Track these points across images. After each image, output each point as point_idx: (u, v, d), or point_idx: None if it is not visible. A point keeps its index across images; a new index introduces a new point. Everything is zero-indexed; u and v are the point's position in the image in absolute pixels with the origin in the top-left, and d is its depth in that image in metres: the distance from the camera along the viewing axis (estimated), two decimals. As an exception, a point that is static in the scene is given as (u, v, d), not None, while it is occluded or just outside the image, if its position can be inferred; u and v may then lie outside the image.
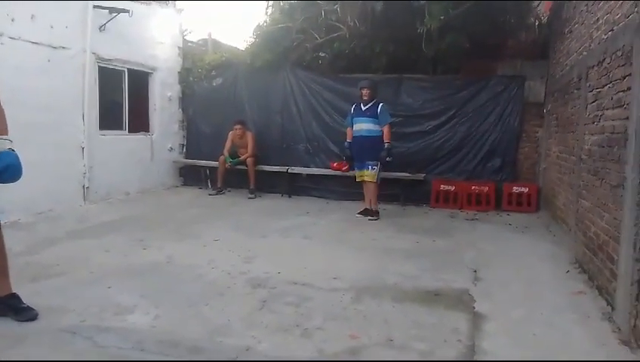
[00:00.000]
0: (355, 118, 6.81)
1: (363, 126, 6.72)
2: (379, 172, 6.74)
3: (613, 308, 3.39)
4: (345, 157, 7.36)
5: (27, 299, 3.23)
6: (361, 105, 6.77)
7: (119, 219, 6.35)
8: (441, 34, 7.13)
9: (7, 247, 3.22)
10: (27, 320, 3.09)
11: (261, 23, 9.03)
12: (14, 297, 3.20)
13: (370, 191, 6.84)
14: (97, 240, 5.20)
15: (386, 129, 6.65)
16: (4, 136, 3.13)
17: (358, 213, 6.87)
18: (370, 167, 6.72)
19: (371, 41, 7.87)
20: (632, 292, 2.98)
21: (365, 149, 6.71)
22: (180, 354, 2.78)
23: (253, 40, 9.14)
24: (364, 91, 6.75)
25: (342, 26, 8.01)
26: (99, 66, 7.43)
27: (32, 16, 6.15)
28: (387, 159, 6.66)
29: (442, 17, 6.84)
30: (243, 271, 4.29)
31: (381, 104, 6.69)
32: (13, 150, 3.11)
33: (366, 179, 6.81)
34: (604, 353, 2.89)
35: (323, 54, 8.46)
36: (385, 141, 6.62)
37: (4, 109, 3.20)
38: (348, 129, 6.98)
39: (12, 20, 5.89)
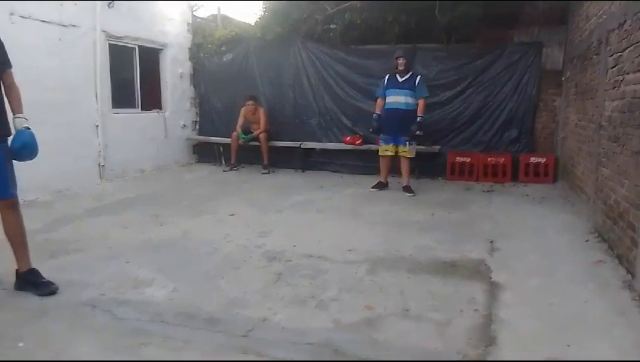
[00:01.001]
0: (389, 90, 6.55)
1: (400, 99, 6.48)
2: (414, 146, 6.65)
3: (633, 276, 3.34)
4: (372, 130, 7.04)
5: (47, 275, 3.29)
6: (397, 76, 6.53)
7: (135, 196, 6.41)
8: (455, 2, 6.93)
9: (26, 225, 3.28)
10: (48, 294, 3.15)
11: (271, -3, 8.88)
12: (33, 272, 3.26)
13: (405, 167, 6.71)
14: (114, 217, 5.26)
15: (421, 102, 6.47)
16: (20, 115, 3.18)
17: (373, 187, 6.82)
18: (407, 142, 6.55)
19: (383, 10, 7.69)
20: (653, 259, 2.92)
21: (402, 123, 6.46)
22: (198, 325, 2.81)
23: (263, 14, 9.00)
24: (400, 61, 6.48)
25: (353, -4, 7.84)
26: (109, 44, 7.39)
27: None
28: (417, 133, 6.47)
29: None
30: (258, 245, 4.31)
31: (419, 76, 6.52)
32: (28, 128, 3.17)
33: (404, 154, 6.63)
34: (623, 321, 2.85)
35: (334, 26, 8.31)
36: (418, 115, 6.45)
37: (19, 88, 3.25)
38: (378, 100, 6.76)
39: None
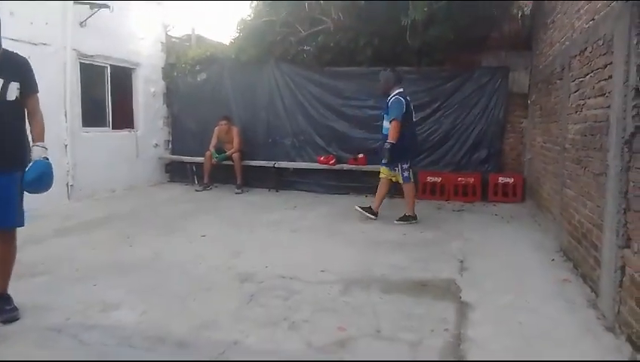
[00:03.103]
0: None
1: (384, 123, 6.16)
2: (402, 172, 6.06)
3: (597, 295, 3.44)
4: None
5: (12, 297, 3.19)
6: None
7: (105, 216, 6.28)
8: (425, 26, 7.13)
9: None
10: (7, 321, 3.03)
11: (245, 17, 8.96)
12: (3, 298, 3.14)
13: (405, 193, 6.19)
14: (83, 238, 5.14)
15: (391, 125, 5.88)
16: (40, 143, 3.09)
17: (361, 208, 6.31)
18: (391, 168, 6.14)
19: (356, 33, 7.85)
20: (615, 279, 3.02)
21: (381, 148, 6.15)
22: (167, 349, 2.76)
23: (238, 34, 9.07)
24: (378, 85, 6.25)
25: (326, 19, 7.98)
26: (80, 63, 7.32)
27: (11, 13, 6.03)
28: (382, 161, 6.07)
29: (426, 9, 6.84)
30: (231, 265, 4.28)
31: (393, 97, 5.97)
32: (47, 158, 3.08)
33: (393, 179, 6.22)
34: (589, 340, 2.93)
35: (308, 48, 8.42)
36: (388, 139, 5.89)
37: (42, 114, 3.21)
38: None
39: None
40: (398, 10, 7.08)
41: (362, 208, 6.32)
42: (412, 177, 6.17)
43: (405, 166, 6.09)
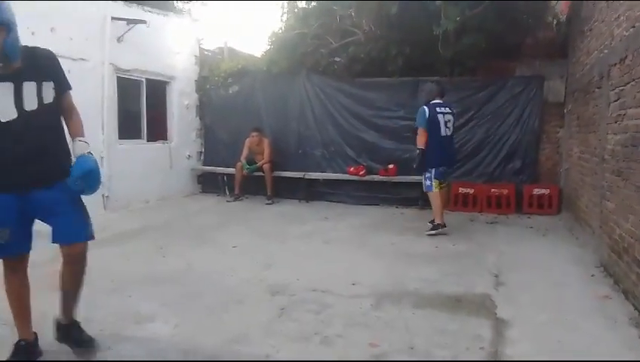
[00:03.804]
0: None
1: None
2: (425, 180, 6.13)
3: (640, 313, 3.29)
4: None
5: (47, 309, 3.24)
6: None
7: (139, 227, 6.41)
8: (457, 35, 7.06)
9: (32, 258, 3.05)
10: (86, 353, 2.83)
11: (276, 30, 9.07)
12: (76, 326, 2.90)
13: (431, 201, 6.23)
14: (118, 249, 5.25)
15: (419, 133, 6.08)
16: (81, 138, 2.77)
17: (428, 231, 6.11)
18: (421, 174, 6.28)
19: (387, 44, 7.84)
20: (661, 296, 2.89)
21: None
22: (200, 363, 2.78)
23: (269, 47, 9.18)
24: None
25: (357, 30, 8.00)
26: (117, 77, 7.55)
27: (52, 29, 6.27)
28: (414, 165, 6.25)
29: (458, 18, 6.77)
30: (262, 278, 4.29)
31: (422, 107, 6.12)
32: (90, 153, 2.75)
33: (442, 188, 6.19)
34: (632, 358, 2.80)
35: (338, 59, 8.46)
36: (417, 145, 6.09)
37: (78, 111, 2.92)
38: None
39: (32, 34, 6.00)
40: (429, 20, 7.04)
41: (432, 230, 6.07)
42: (436, 187, 6.03)
43: (428, 175, 6.08)
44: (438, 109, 6.09)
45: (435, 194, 6.08)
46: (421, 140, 6.03)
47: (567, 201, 6.98)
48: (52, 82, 2.66)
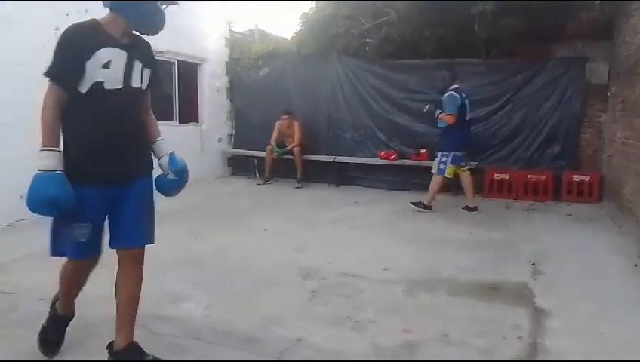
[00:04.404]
0: None
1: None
2: (440, 164, 6.24)
3: (690, 306, 3.13)
4: None
5: (84, 290, 3.29)
6: None
7: (171, 209, 6.44)
8: (496, 16, 6.79)
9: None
10: None
11: (307, 11, 8.95)
12: (135, 348, 2.50)
13: (432, 183, 6.40)
14: (151, 230, 5.32)
15: (447, 118, 6.08)
16: (160, 137, 2.68)
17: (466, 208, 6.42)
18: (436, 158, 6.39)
19: (421, 25, 7.62)
20: None
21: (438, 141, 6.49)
22: (233, 343, 2.78)
23: (300, 28, 9.08)
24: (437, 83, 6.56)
25: (390, 10, 7.80)
26: (151, 58, 7.58)
27: (86, 10, 6.31)
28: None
29: (495, -1, 6.52)
30: (293, 261, 4.28)
31: (447, 93, 6.16)
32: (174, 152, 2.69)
33: (459, 171, 6.41)
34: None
35: (370, 40, 8.29)
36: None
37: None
38: None
39: (67, 15, 6.08)
40: (464, 1, 6.80)
41: (467, 208, 6.40)
42: (449, 172, 6.22)
43: (444, 159, 6.20)
44: (463, 94, 6.18)
45: (439, 178, 6.25)
46: (450, 122, 6.07)
47: (610, 189, 6.71)
48: (151, 71, 2.50)
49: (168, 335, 2.86)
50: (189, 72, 8.76)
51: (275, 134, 8.60)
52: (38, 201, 2.11)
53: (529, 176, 7.28)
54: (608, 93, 7.17)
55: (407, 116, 8.16)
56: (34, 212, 2.14)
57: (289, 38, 9.69)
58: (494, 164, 7.62)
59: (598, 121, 7.41)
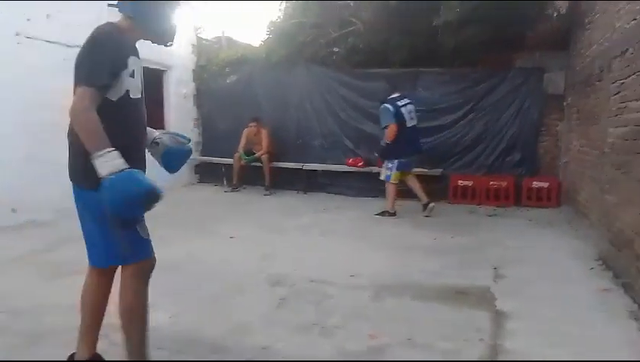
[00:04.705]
0: None
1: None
2: (386, 170, 6.58)
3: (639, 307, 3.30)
4: None
5: (46, 298, 3.23)
6: None
7: (137, 216, 6.37)
8: (459, 26, 7.00)
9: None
10: None
11: (275, 19, 8.99)
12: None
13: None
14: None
15: (387, 130, 6.43)
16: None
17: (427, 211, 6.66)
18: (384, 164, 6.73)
19: (387, 35, 7.77)
20: (661, 290, 2.88)
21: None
22: (200, 353, 2.76)
23: (268, 36, 9.11)
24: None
25: (356, 21, 7.93)
26: (115, 65, 7.46)
27: (47, 16, 6.19)
28: (375, 154, 6.97)
29: (458, 10, 6.72)
30: (261, 268, 4.28)
31: (383, 105, 6.51)
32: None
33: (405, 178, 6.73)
34: (631, 352, 2.80)
35: (337, 49, 8.39)
36: (386, 139, 6.49)
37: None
38: None
39: (28, 20, 5.94)
40: (430, 11, 6.98)
41: (380, 214, 6.63)
42: (394, 178, 6.53)
43: (390, 165, 6.50)
44: (398, 103, 6.47)
45: (392, 185, 6.51)
46: (391, 135, 6.38)
47: (567, 194, 6.98)
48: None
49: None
50: (155, 78, 8.65)
51: (243, 141, 8.58)
52: (136, 201, 2.05)
53: (491, 183, 7.51)
54: (565, 103, 7.47)
55: (374, 124, 8.24)
56: (129, 215, 2.15)
57: (257, 45, 9.71)
58: (458, 171, 7.81)
59: (555, 130, 7.71)
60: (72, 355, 2.48)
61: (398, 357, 2.75)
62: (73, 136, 2.20)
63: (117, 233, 2.22)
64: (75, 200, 2.39)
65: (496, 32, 7.10)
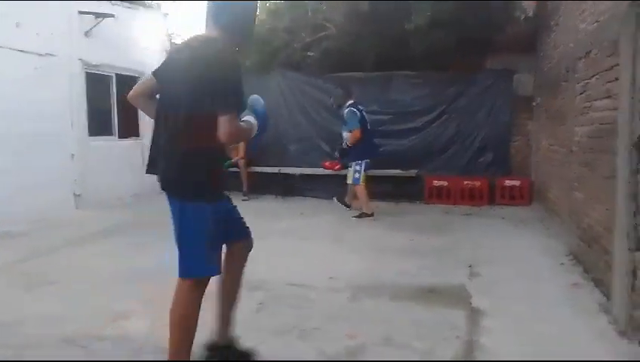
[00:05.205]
0: None
1: (343, 132, 6.93)
2: (355, 173, 6.68)
3: (609, 300, 3.40)
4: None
5: (22, 310, 3.18)
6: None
7: (113, 225, 6.30)
8: (429, 30, 7.13)
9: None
10: None
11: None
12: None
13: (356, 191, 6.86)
14: (92, 247, 5.16)
15: (352, 133, 6.61)
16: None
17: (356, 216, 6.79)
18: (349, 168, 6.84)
19: (359, 38, 7.86)
20: (627, 283, 2.99)
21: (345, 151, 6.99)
22: (178, 360, 2.74)
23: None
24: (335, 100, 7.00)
25: (329, 25, 8.00)
26: (86, 72, 7.37)
27: (17, 24, 6.08)
28: (336, 153, 7.16)
29: (429, 14, 6.85)
30: (239, 274, 4.26)
31: (347, 109, 6.67)
32: None
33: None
34: (602, 345, 2.90)
35: (311, 54, 8.45)
36: (349, 142, 6.70)
37: None
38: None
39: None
40: (401, 15, 7.09)
41: (358, 217, 6.74)
42: (363, 180, 6.67)
43: (358, 168, 6.64)
44: (360, 107, 6.73)
45: (362, 187, 6.66)
46: (355, 138, 6.58)
47: (538, 193, 7.16)
48: None
49: (108, 356, 2.79)
50: (129, 85, 8.49)
51: (218, 147, 8.52)
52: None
53: (465, 183, 7.65)
54: (534, 104, 7.67)
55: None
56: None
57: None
58: (433, 172, 7.93)
59: (526, 130, 7.92)
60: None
61: (376, 357, 2.79)
62: (197, 157, 2.25)
63: (204, 245, 2.45)
64: (180, 215, 2.45)
65: (466, 36, 7.26)
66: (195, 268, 2.47)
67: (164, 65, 2.47)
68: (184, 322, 2.46)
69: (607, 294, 3.48)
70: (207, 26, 2.37)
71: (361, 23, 7.70)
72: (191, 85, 2.18)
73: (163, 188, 2.43)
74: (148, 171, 2.54)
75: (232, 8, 2.35)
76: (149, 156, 2.54)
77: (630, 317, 2.95)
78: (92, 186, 7.34)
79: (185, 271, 2.47)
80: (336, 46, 8.07)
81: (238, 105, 2.25)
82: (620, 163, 3.19)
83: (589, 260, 4.05)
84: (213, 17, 2.34)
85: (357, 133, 6.56)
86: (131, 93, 2.61)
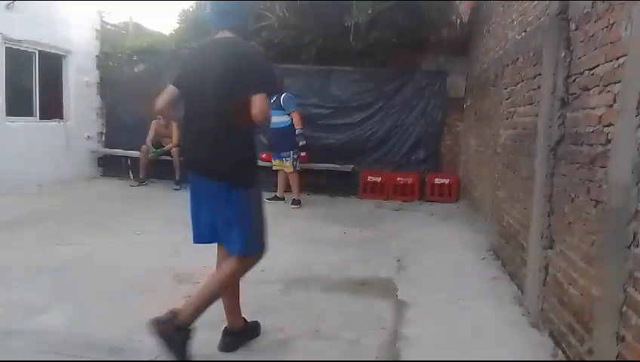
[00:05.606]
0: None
1: (273, 118, 6.77)
2: (293, 161, 6.94)
3: (523, 293, 3.64)
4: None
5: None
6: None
7: (29, 213, 5.91)
8: (368, 28, 7.25)
9: None
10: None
11: (187, 9, 8.72)
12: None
13: (290, 181, 7.04)
14: (5, 237, 4.80)
15: (295, 116, 6.85)
16: None
17: (268, 199, 6.80)
18: (284, 158, 6.98)
19: (301, 32, 7.85)
20: (539, 277, 3.21)
21: (276, 141, 7.02)
22: (98, 355, 2.64)
23: (179, 25, 8.80)
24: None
25: (270, 15, 7.91)
26: (6, 47, 6.84)
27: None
28: (300, 143, 6.92)
29: (370, 12, 6.96)
30: (168, 265, 4.15)
31: (284, 94, 6.86)
32: None
33: (285, 170, 7.05)
34: (516, 336, 3.09)
35: (252, 43, 8.31)
36: (296, 127, 6.85)
37: None
38: None
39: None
40: (342, 11, 7.16)
41: (296, 205, 7.00)
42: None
43: (295, 156, 6.96)
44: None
45: (295, 174, 6.99)
46: (300, 120, 6.88)
47: (465, 190, 7.51)
48: None
49: (22, 352, 2.62)
50: (53, 64, 8.04)
51: (151, 134, 8.24)
52: None
53: (398, 179, 7.88)
54: (464, 105, 8.02)
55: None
56: None
57: (167, 34, 9.36)
58: (368, 167, 8.10)
59: (456, 130, 8.26)
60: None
61: (304, 349, 2.82)
62: (247, 145, 2.72)
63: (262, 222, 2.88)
64: (226, 199, 2.68)
65: (403, 36, 7.45)
66: (258, 244, 2.80)
67: (186, 72, 2.78)
68: (223, 292, 2.77)
69: (521, 287, 3.72)
70: (216, 28, 2.68)
71: (303, 17, 7.69)
72: (231, 78, 2.50)
73: (206, 175, 2.69)
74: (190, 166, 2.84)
75: (237, 11, 2.67)
76: (190, 156, 2.85)
77: (541, 310, 3.17)
78: (8, 171, 6.83)
79: (249, 248, 2.73)
80: (277, 37, 8.00)
81: (271, 87, 2.68)
82: (538, 166, 3.41)
83: (507, 255, 4.30)
84: (223, 21, 2.66)
85: (299, 113, 6.83)
86: (159, 105, 2.83)
